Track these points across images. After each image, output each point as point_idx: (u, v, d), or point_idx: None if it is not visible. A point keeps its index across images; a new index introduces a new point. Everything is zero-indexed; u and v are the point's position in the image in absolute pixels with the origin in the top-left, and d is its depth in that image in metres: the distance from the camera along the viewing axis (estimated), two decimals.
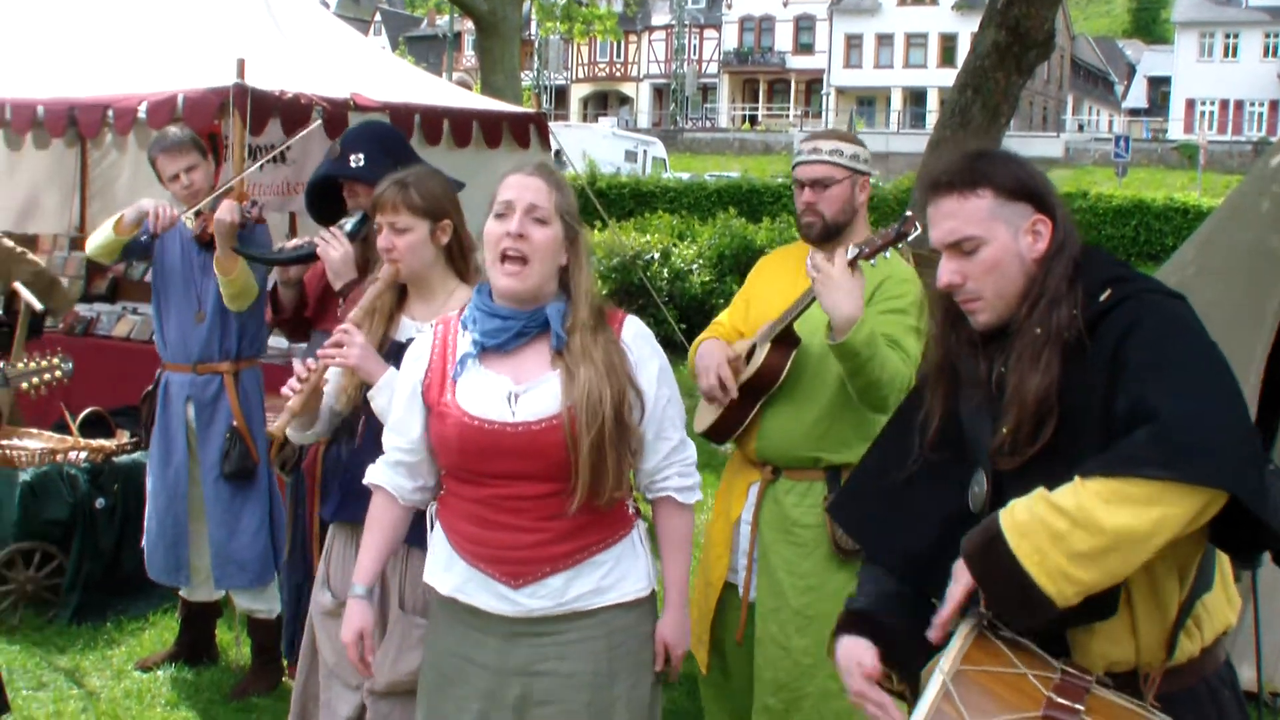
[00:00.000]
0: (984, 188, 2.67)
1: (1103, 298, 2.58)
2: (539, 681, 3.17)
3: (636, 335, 3.26)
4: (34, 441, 6.78)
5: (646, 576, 3.28)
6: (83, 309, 9.29)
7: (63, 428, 7.04)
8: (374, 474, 3.39)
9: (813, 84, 71.05)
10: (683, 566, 3.36)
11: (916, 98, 67.94)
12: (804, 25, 70.60)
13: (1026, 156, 2.89)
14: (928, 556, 2.74)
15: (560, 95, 71.99)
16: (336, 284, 4.35)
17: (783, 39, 71.37)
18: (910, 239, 3.67)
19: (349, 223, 4.33)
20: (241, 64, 6.96)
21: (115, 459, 6.74)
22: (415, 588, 3.72)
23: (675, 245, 14.88)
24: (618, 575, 3.21)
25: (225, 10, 8.28)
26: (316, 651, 3.99)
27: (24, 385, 4.35)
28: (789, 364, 4.02)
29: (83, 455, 6.67)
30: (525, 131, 9.18)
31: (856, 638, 2.80)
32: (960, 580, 2.53)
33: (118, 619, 6.43)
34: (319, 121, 6.37)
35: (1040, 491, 2.43)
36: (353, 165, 4.36)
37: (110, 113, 7.37)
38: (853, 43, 69.42)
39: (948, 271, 2.71)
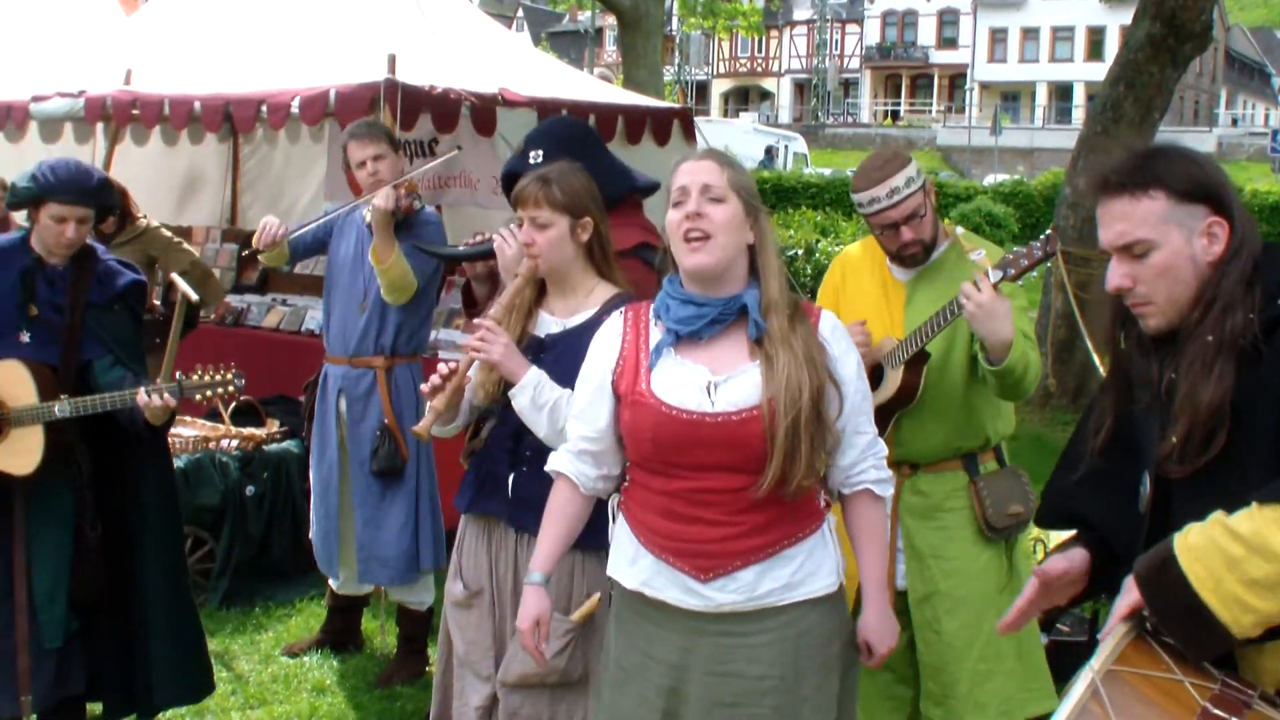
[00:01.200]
0: (1157, 189, 2.56)
1: None
2: (726, 683, 3.13)
3: (834, 328, 3.24)
4: (187, 429, 6.94)
5: (836, 571, 3.22)
6: (233, 300, 9.48)
7: (215, 416, 7.19)
8: (556, 461, 3.39)
9: (956, 79, 70.07)
10: (881, 559, 3.30)
11: (1062, 92, 66.74)
12: (947, 19, 69.67)
13: None
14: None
15: (701, 90, 71.88)
16: (506, 279, 4.38)
17: (926, 33, 70.52)
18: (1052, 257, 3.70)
19: None
20: (393, 59, 7.05)
21: (265, 448, 6.88)
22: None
23: (819, 241, 14.77)
24: (808, 570, 3.15)
25: (377, 7, 8.40)
26: (452, 642, 4.03)
27: (196, 397, 4.47)
28: (923, 380, 4.06)
29: (234, 443, 6.81)
30: (668, 127, 9.18)
31: (1075, 549, 2.81)
32: (1127, 597, 2.47)
33: (265, 605, 6.56)
34: (454, 152, 6.43)
35: (1217, 515, 2.37)
36: (531, 162, 4.38)
37: (264, 108, 7.49)
38: (997, 36, 68.31)
39: (1117, 275, 2.62)
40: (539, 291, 3.88)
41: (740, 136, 38.72)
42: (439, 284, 5.85)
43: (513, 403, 3.65)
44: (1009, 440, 4.33)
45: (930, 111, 69.26)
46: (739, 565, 3.09)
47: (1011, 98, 67.94)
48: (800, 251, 14.19)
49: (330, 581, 6.01)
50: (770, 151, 38.17)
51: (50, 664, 4.69)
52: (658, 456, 3.15)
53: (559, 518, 3.37)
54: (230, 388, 4.49)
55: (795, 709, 3.13)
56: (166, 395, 4.36)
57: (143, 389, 4.39)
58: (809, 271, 13.91)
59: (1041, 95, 67.49)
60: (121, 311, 4.72)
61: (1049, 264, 10.16)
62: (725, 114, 67.69)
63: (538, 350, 3.73)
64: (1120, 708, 2.31)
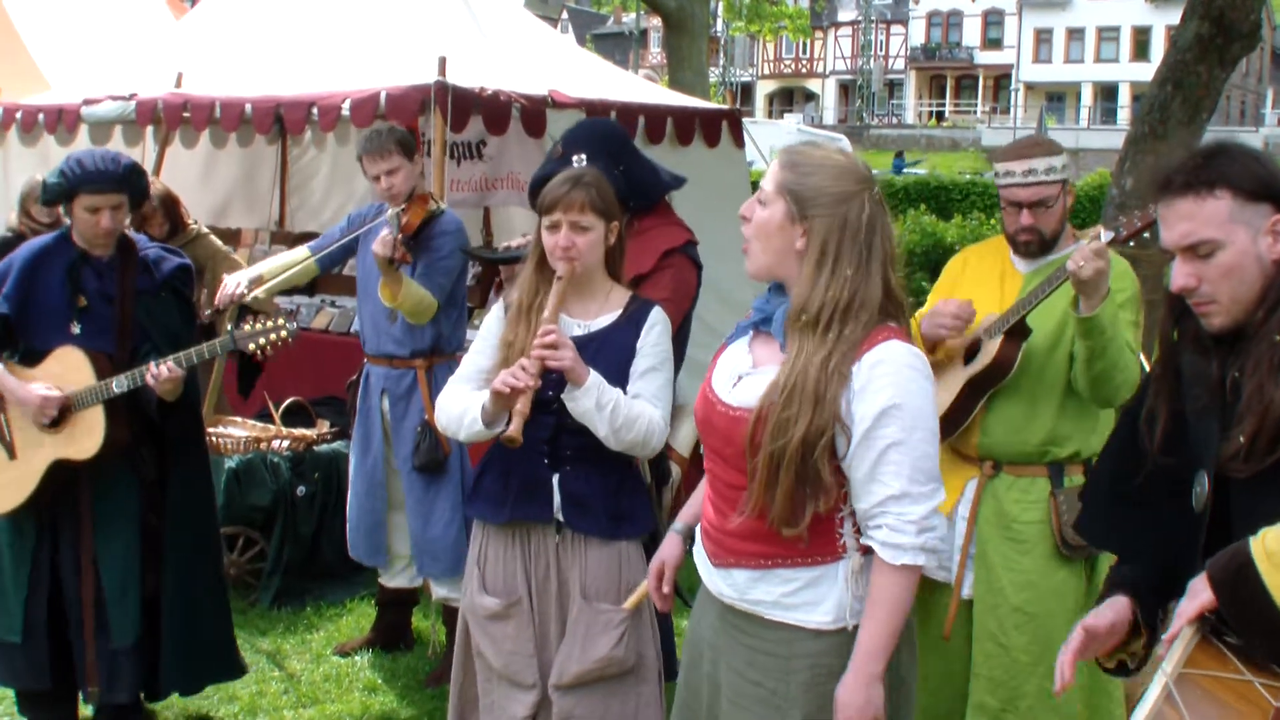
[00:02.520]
0: (1222, 188, 2.55)
1: None
2: (729, 675, 3.12)
3: (879, 363, 2.91)
4: (240, 430, 6.99)
5: (837, 610, 2.98)
6: (283, 302, 9.52)
7: (266, 417, 7.23)
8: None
9: (1001, 79, 69.71)
10: (874, 627, 2.93)
11: (1108, 93, 66.21)
12: (993, 20, 69.31)
13: None
14: (1168, 560, 2.66)
15: (746, 92, 71.77)
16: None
17: (971, 34, 70.20)
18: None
19: None
20: (443, 62, 7.06)
21: (316, 448, 6.92)
22: (597, 576, 3.78)
23: None
24: (805, 599, 3.00)
25: (427, 9, 8.42)
26: (470, 655, 4.01)
27: (251, 346, 4.50)
28: (1020, 356, 3.98)
29: (285, 444, 6.85)
30: (717, 129, 9.16)
31: (1117, 596, 2.75)
32: (1196, 599, 2.45)
33: (316, 604, 6.61)
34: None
35: None
36: (574, 164, 4.40)
37: (315, 110, 7.53)
38: (1042, 37, 67.87)
39: (1182, 275, 2.60)
40: None
41: (784, 138, 38.55)
42: (465, 283, 5.87)
43: (574, 404, 3.65)
44: None
45: (975, 112, 68.88)
46: (733, 563, 3.06)
47: (1056, 98, 67.50)
48: None
49: (380, 577, 6.03)
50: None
51: (125, 661, 4.78)
52: (699, 431, 3.22)
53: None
54: (284, 332, 4.53)
55: None
56: (169, 363, 4.45)
57: (151, 363, 4.48)
58: None
59: (1087, 96, 66.98)
60: (169, 298, 4.82)
61: None
62: (770, 115, 67.60)
63: None
64: (1195, 710, 2.32)
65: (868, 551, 2.98)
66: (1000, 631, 4.05)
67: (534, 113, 7.49)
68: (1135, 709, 2.37)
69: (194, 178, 9.88)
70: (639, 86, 9.84)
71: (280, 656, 5.96)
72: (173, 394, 4.55)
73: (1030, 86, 67.90)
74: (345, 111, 7.36)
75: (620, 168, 4.41)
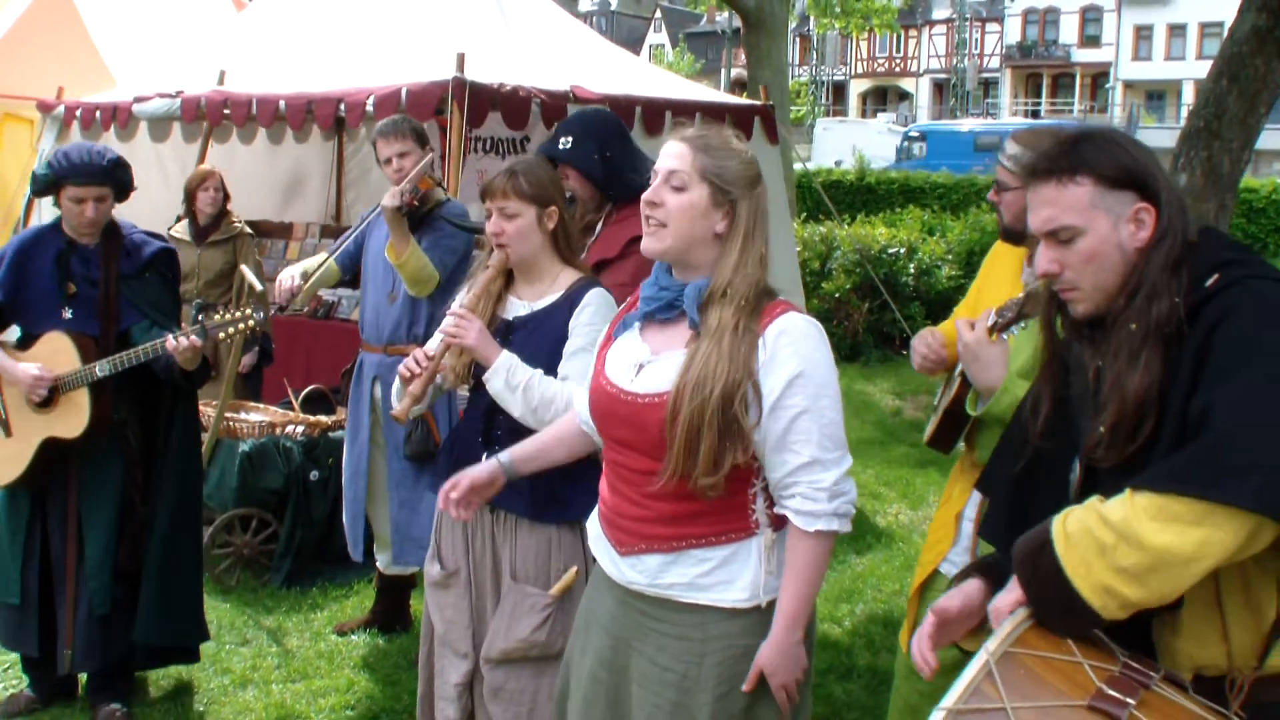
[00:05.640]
0: (1084, 175, 2.55)
1: (1208, 283, 2.47)
2: (638, 661, 3.16)
3: (781, 334, 3.01)
4: (256, 415, 7.18)
5: (754, 588, 3.06)
6: (326, 294, 9.74)
7: (286, 404, 7.42)
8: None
9: (1099, 78, 68.55)
10: (794, 593, 3.03)
11: None
12: (1090, 17, 68.17)
13: None
14: None
15: (839, 91, 71.48)
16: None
17: (1068, 31, 69.08)
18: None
19: None
20: (461, 58, 7.19)
21: (331, 434, 7.08)
22: (525, 558, 3.86)
23: (923, 240, 14.69)
24: (720, 578, 3.06)
25: (456, 6, 8.56)
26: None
27: (221, 335, 4.73)
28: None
29: (299, 429, 7.02)
30: (749, 124, 9.22)
31: (970, 580, 2.75)
32: (1012, 593, 2.50)
33: (324, 585, 6.78)
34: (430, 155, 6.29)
35: (1092, 501, 2.39)
36: (559, 147, 4.53)
37: (342, 106, 7.69)
38: (1142, 34, 66.61)
39: (1045, 260, 2.61)
40: (507, 279, 4.02)
41: (874, 136, 38.53)
42: (465, 271, 5.97)
43: (488, 385, 3.79)
44: None
45: (1071, 111, 67.82)
46: (644, 549, 3.10)
47: (1156, 97, 66.34)
48: (903, 250, 14.10)
49: (378, 562, 6.18)
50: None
51: (98, 630, 5.00)
52: (595, 423, 3.27)
53: (552, 430, 3.61)
54: (251, 321, 4.76)
55: (691, 714, 3.09)
56: (192, 337, 4.67)
57: (170, 335, 4.69)
58: (911, 270, 13.83)
59: (1188, 94, 65.76)
60: (153, 278, 5.08)
61: None
62: (863, 114, 67.18)
63: (506, 333, 3.88)
64: (1013, 688, 2.30)
65: (779, 526, 3.07)
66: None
67: (554, 108, 7.58)
68: (952, 686, 2.34)
69: (252, 172, 10.14)
70: (666, 81, 9.88)
71: (280, 633, 6.14)
72: (192, 362, 4.77)
73: (1129, 85, 66.72)
74: (369, 108, 7.51)
75: (605, 154, 4.52)
